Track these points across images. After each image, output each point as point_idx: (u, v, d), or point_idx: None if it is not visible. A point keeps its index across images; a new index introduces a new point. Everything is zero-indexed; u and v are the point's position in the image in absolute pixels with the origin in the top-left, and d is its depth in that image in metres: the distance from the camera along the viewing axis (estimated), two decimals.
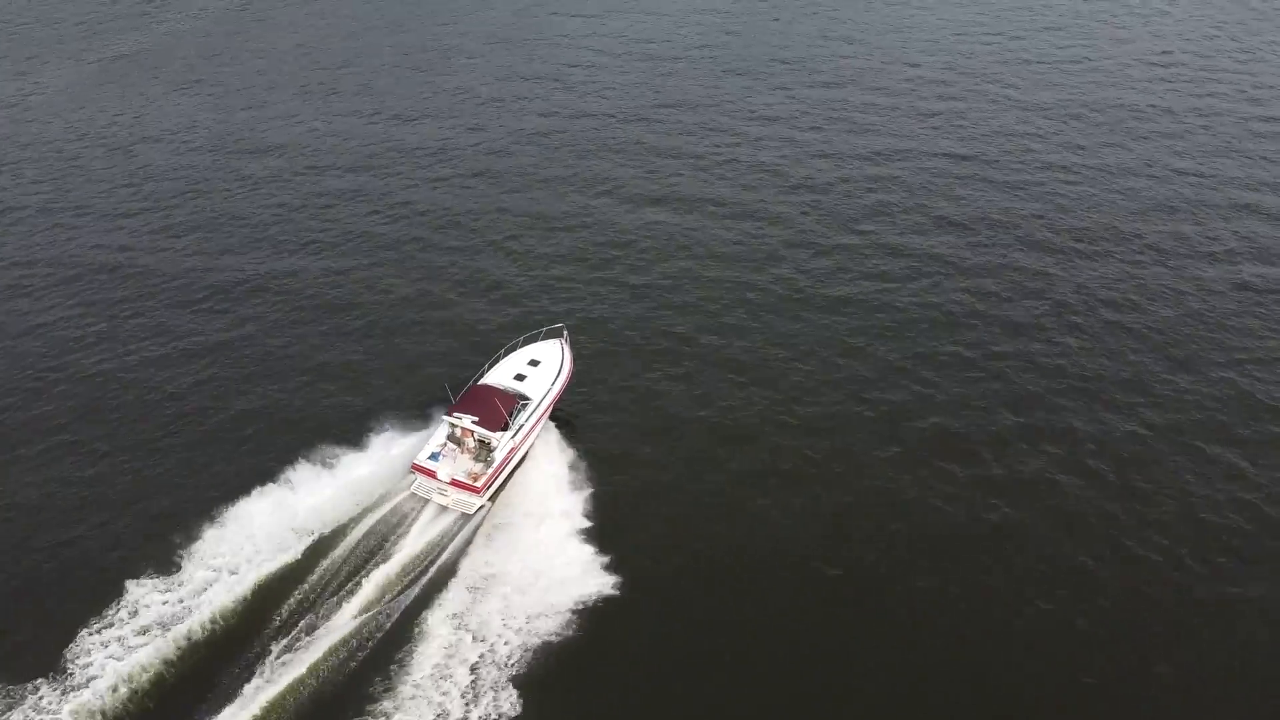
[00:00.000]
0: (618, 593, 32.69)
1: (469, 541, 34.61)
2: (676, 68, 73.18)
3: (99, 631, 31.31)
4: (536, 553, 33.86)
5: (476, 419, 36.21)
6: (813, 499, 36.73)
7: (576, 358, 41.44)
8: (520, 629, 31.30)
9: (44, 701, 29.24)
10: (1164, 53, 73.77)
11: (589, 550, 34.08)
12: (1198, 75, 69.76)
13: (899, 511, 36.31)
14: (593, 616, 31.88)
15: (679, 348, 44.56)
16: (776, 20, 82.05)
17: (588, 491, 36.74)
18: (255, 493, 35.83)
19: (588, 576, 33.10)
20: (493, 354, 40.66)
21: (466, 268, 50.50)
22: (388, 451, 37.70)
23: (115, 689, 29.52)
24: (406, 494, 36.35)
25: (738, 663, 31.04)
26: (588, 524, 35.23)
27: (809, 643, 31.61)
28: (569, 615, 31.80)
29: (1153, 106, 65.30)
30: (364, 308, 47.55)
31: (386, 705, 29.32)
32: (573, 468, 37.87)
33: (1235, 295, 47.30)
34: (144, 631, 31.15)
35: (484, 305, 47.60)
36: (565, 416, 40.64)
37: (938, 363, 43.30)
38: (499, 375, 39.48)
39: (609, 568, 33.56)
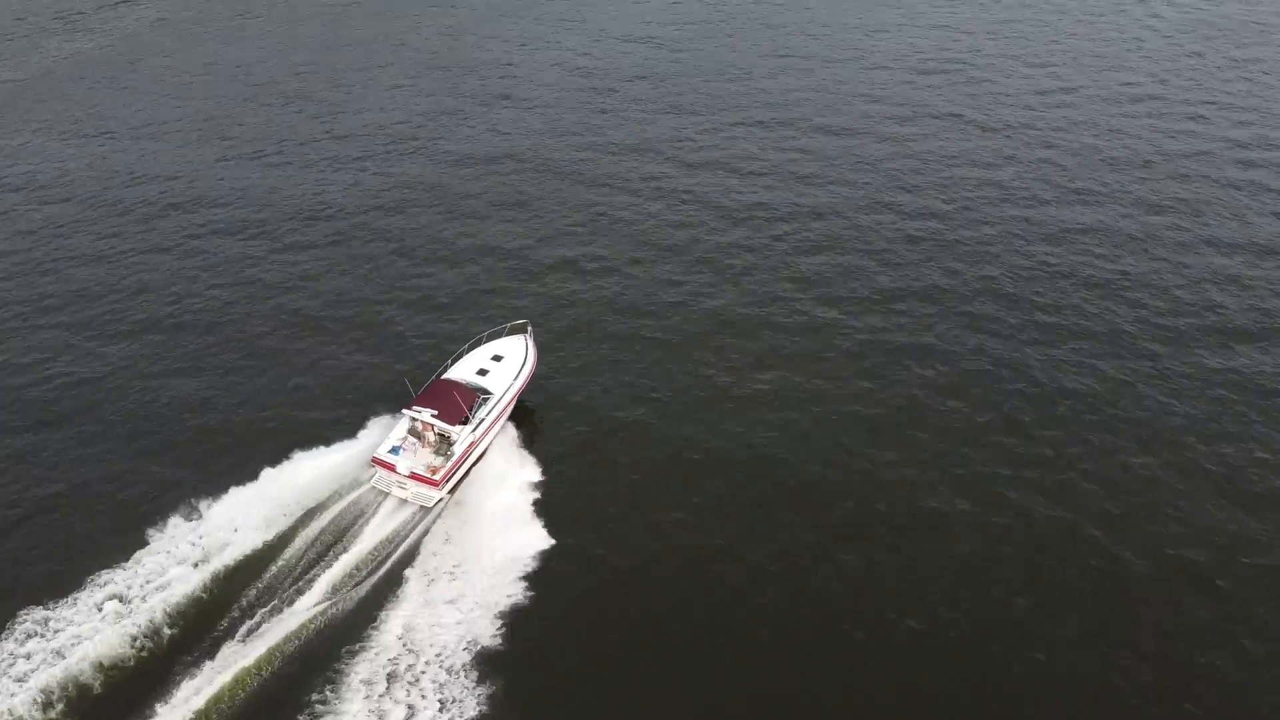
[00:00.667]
0: (566, 583, 33.33)
1: (426, 533, 35.08)
2: (610, 102, 68.90)
3: (54, 611, 31.76)
4: (491, 545, 34.34)
5: (436, 413, 36.62)
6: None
7: (541, 353, 41.97)
8: (471, 618, 31.80)
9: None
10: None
11: (542, 542, 34.58)
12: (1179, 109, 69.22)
13: (865, 496, 37.09)
14: (542, 605, 32.49)
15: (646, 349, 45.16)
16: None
17: (544, 485, 37.22)
18: (219, 484, 36.19)
19: (539, 567, 33.62)
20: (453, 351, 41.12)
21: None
22: (350, 445, 38.06)
23: (76, 670, 29.87)
24: (367, 487, 36.78)
25: (688, 657, 31.62)
26: (542, 516, 35.72)
27: (776, 642, 32.14)
28: (519, 604, 32.38)
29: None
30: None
31: (339, 691, 29.79)
32: (532, 462, 38.34)
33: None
34: (100, 613, 31.57)
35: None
36: (528, 410, 41.16)
37: (896, 350, 44.06)
38: (462, 370, 39.94)
39: (560, 559, 34.12)
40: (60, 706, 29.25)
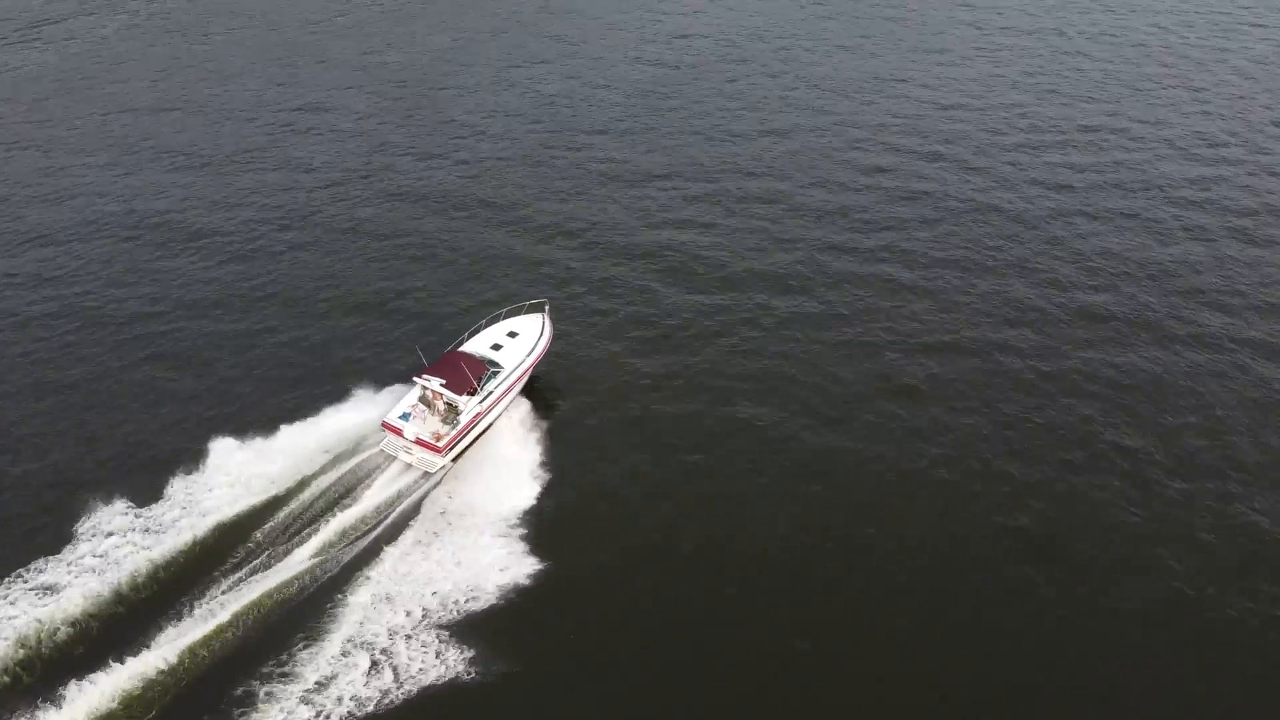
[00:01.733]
0: (558, 556, 33.97)
1: (425, 498, 36.24)
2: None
3: (72, 547, 33.80)
4: (486, 514, 35.29)
5: (445, 382, 37.72)
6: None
7: (558, 333, 42.81)
8: (460, 581, 32.76)
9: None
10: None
11: (537, 515, 35.38)
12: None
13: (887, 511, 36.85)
14: (534, 574, 33.28)
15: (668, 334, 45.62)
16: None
17: (547, 461, 38.05)
18: (235, 437, 37.92)
19: (533, 537, 34.44)
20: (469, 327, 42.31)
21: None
22: (364, 409, 39.49)
23: (81, 605, 31.73)
24: (376, 450, 38.15)
25: (672, 649, 32.03)
26: (541, 491, 36.58)
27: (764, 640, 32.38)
28: (510, 571, 33.27)
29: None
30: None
31: (323, 638, 31.11)
32: (538, 437, 39.20)
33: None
34: (102, 557, 33.31)
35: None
36: (543, 387, 42.03)
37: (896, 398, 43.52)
38: (477, 344, 40.99)
39: (554, 532, 34.83)
40: (81, 626, 31.28)
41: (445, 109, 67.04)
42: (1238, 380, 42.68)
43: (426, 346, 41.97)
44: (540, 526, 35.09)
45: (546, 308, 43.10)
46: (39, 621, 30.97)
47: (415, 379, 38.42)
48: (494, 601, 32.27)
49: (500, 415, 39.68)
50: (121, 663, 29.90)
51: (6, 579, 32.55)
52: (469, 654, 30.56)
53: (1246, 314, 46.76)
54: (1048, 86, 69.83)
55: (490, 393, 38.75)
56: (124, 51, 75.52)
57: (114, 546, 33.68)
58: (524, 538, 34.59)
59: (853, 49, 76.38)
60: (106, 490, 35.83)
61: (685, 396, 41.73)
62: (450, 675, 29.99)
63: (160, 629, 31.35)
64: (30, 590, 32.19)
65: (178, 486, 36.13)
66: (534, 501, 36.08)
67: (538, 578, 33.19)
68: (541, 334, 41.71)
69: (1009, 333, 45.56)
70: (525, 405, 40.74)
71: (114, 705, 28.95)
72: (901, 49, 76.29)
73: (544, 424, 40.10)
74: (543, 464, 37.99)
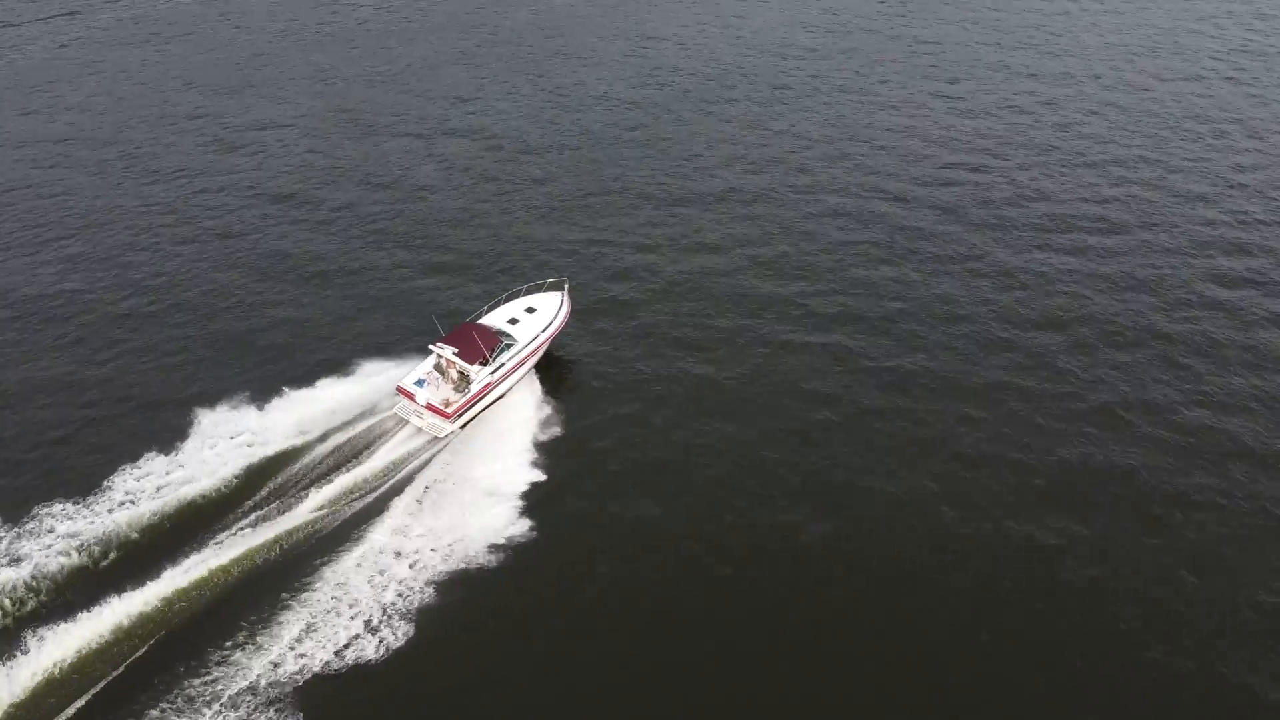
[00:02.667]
0: (546, 526, 35.04)
1: (430, 461, 37.59)
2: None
3: (117, 480, 36.33)
4: (485, 479, 36.42)
5: (457, 351, 38.96)
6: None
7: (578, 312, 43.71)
8: (451, 539, 34.16)
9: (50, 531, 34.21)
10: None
11: (532, 486, 36.39)
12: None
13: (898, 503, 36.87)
14: (522, 541, 34.46)
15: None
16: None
17: (552, 434, 39.07)
18: (262, 393, 40.03)
19: (527, 506, 35.51)
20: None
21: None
22: (379, 374, 41.05)
23: (119, 535, 34.03)
24: (390, 413, 39.64)
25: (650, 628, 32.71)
26: (542, 462, 37.55)
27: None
28: (501, 534, 34.56)
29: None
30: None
31: (319, 582, 32.84)
32: (548, 412, 40.18)
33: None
34: (127, 501, 35.51)
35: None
36: (563, 365, 43.09)
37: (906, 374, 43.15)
38: (495, 317, 42.14)
39: (544, 509, 35.70)
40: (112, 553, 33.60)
41: (554, 75, 68.67)
42: None
43: (447, 317, 43.35)
44: (533, 500, 35.96)
45: (566, 286, 44.02)
46: (82, 542, 33.58)
47: (430, 347, 39.82)
48: (481, 563, 33.50)
49: (512, 388, 40.79)
50: (141, 587, 32.13)
51: (41, 508, 35.10)
52: (442, 601, 32.06)
53: None
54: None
55: (502, 364, 39.84)
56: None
57: (150, 483, 36.08)
58: (517, 508, 35.55)
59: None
60: (143, 437, 38.39)
61: (699, 390, 41.96)
62: (429, 624, 31.45)
63: (175, 562, 33.31)
64: (64, 519, 34.74)
65: (208, 432, 38.22)
66: (531, 476, 36.94)
67: (524, 545, 34.27)
68: (559, 312, 42.63)
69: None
70: (539, 378, 41.81)
71: (131, 621, 31.22)
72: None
73: (554, 402, 41.06)
74: (545, 441, 38.89)
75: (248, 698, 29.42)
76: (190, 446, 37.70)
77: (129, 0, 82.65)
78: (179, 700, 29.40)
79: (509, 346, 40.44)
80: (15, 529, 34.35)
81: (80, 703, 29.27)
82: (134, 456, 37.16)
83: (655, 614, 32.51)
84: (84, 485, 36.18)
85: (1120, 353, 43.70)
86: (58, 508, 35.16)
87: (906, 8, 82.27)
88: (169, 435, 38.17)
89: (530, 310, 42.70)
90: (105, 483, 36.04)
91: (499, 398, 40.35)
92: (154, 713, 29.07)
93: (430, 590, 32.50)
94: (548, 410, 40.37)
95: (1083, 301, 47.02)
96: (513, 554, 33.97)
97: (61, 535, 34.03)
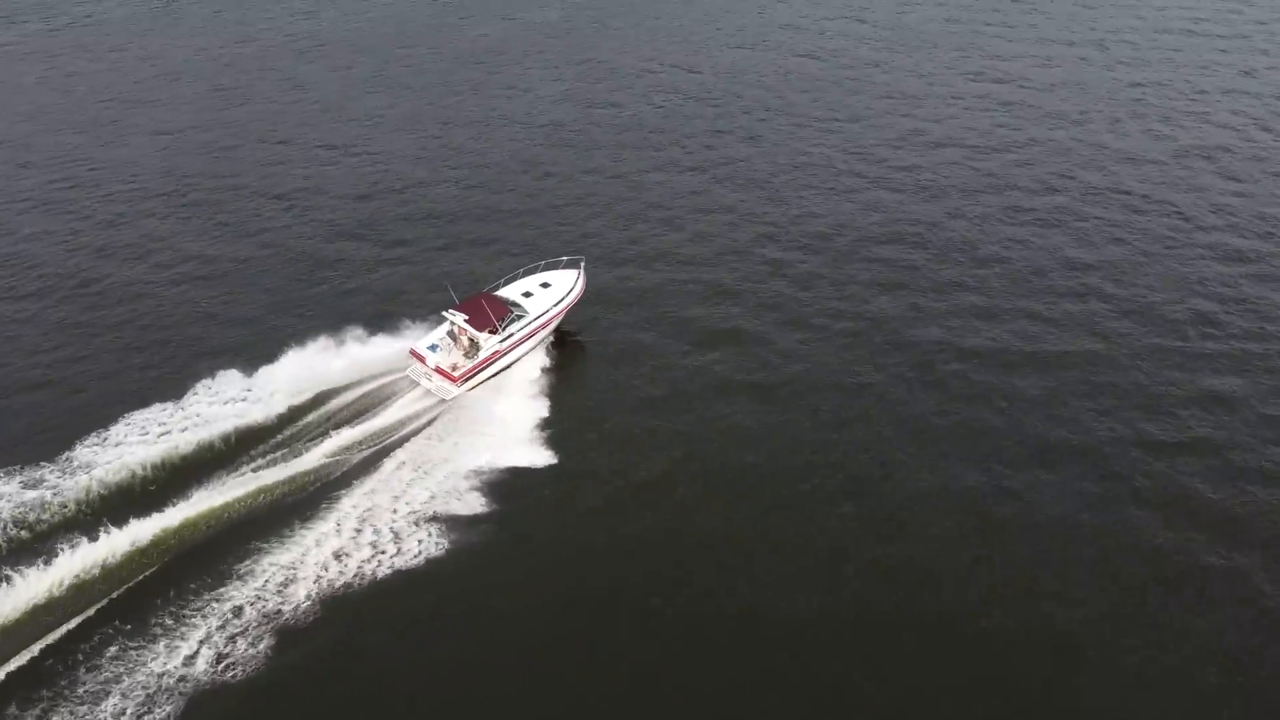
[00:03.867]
0: (531, 492, 36.62)
1: (433, 421, 39.57)
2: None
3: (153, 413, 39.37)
4: (483, 441, 38.22)
5: (468, 319, 40.85)
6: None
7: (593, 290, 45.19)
8: (440, 495, 36.01)
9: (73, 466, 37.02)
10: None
11: (527, 452, 38.08)
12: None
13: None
14: (506, 505, 36.02)
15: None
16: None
17: (550, 405, 40.63)
18: (285, 347, 42.60)
19: (513, 471, 37.20)
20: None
21: None
22: (398, 338, 43.18)
23: (141, 466, 36.71)
24: (402, 374, 41.69)
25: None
26: (540, 434, 39.14)
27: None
28: (486, 494, 36.28)
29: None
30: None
31: (317, 519, 35.16)
32: (551, 385, 41.85)
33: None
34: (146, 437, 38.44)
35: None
36: (576, 341, 44.83)
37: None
38: (510, 290, 44.00)
39: (537, 473, 37.38)
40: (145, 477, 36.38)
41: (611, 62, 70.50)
42: None
43: (462, 287, 45.29)
44: (518, 473, 37.40)
45: (582, 264, 45.58)
46: (125, 464, 36.47)
47: (444, 314, 41.74)
48: (464, 515, 35.32)
49: (521, 358, 42.48)
50: (160, 512, 34.72)
51: (98, 432, 38.35)
52: (428, 548, 33.95)
53: None
54: None
55: (511, 334, 41.56)
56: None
57: (175, 422, 38.95)
58: (502, 471, 37.16)
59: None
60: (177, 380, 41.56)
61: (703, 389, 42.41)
62: (408, 565, 33.54)
63: (194, 491, 35.91)
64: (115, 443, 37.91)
65: (240, 379, 40.90)
66: (528, 447, 38.45)
67: (512, 508, 35.99)
68: (572, 288, 44.19)
69: None
70: (547, 353, 43.45)
71: (147, 543, 33.68)
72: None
73: (563, 371, 42.71)
74: (547, 406, 40.57)
75: (256, 603, 32.10)
76: (229, 390, 40.48)
77: None
78: (183, 611, 31.92)
79: (519, 318, 42.16)
80: (53, 461, 37.33)
81: (89, 613, 31.86)
82: (176, 394, 40.35)
83: (635, 610, 32.81)
84: (169, 392, 40.09)
85: None
86: (137, 414, 39.00)
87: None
88: (201, 377, 41.08)
89: (545, 285, 44.37)
90: (160, 409, 39.52)
91: (507, 366, 42.10)
92: (165, 619, 31.67)
93: (422, 531, 34.54)
94: (550, 382, 42.05)
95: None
96: (506, 516, 35.62)
97: (109, 457, 37.02)
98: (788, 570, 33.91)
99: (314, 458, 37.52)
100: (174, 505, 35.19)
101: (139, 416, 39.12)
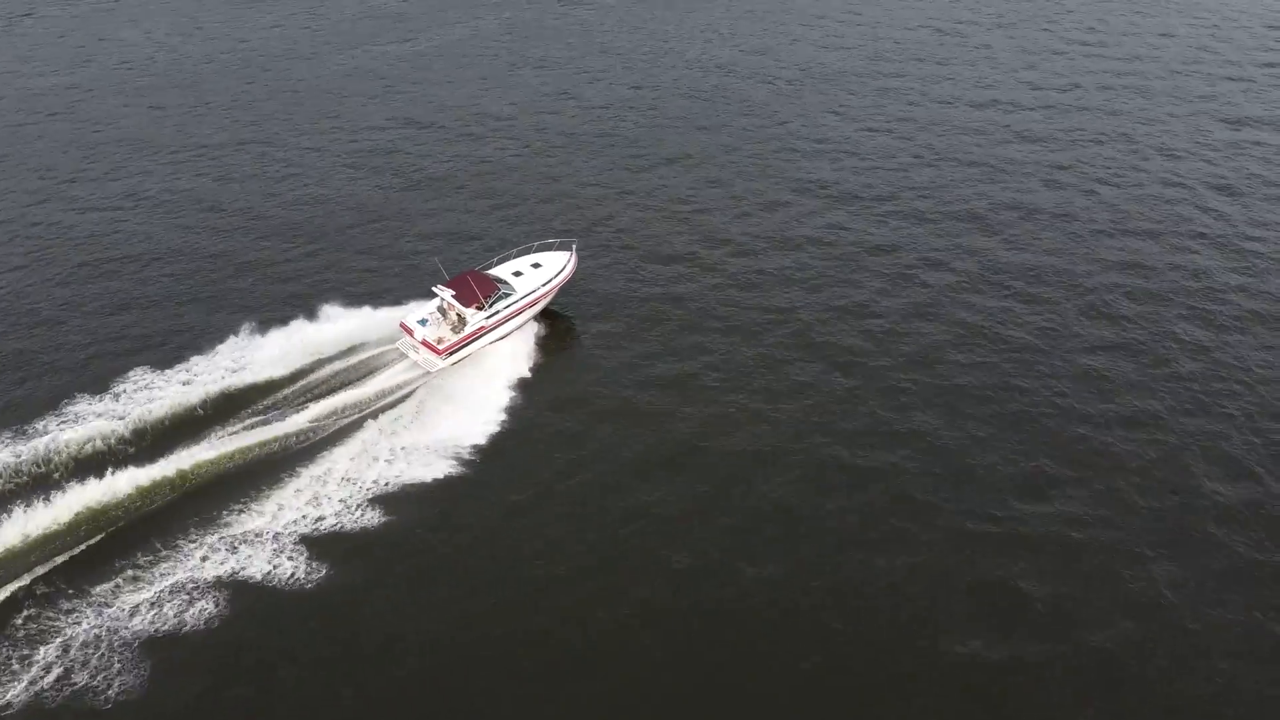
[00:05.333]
0: (492, 472, 37.55)
1: (413, 392, 40.97)
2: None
3: (141, 374, 41.36)
4: (460, 413, 39.57)
5: (455, 294, 42.11)
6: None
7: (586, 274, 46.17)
8: (414, 460, 37.54)
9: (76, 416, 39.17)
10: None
11: (498, 425, 39.30)
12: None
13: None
14: (473, 480, 37.21)
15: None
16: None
17: (528, 385, 41.72)
18: (289, 315, 44.49)
19: (483, 445, 38.44)
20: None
21: None
22: (392, 311, 44.57)
23: (143, 419, 38.55)
24: (392, 346, 43.14)
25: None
26: (507, 411, 40.23)
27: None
28: (456, 463, 37.67)
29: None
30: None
31: (292, 479, 36.67)
32: (531, 362, 42.97)
33: None
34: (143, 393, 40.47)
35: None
36: (568, 322, 45.90)
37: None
38: (501, 269, 45.17)
39: (501, 448, 38.42)
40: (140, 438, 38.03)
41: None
42: None
43: (456, 263, 46.50)
44: (496, 436, 38.90)
45: (574, 246, 46.57)
46: (122, 419, 38.44)
47: (433, 289, 43.09)
48: (434, 483, 36.65)
49: (507, 335, 43.65)
50: (152, 463, 36.56)
51: (110, 389, 40.49)
52: (385, 515, 35.31)
53: None
54: None
55: (497, 311, 42.76)
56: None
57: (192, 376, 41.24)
58: (470, 452, 38.16)
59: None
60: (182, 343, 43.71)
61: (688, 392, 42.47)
62: (366, 526, 35.05)
63: (185, 446, 37.60)
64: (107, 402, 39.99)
65: (238, 345, 42.80)
66: (500, 413, 39.92)
67: (480, 481, 37.09)
68: (562, 270, 45.21)
69: None
70: (535, 330, 44.58)
71: (133, 491, 35.41)
72: None
73: (543, 357, 43.63)
74: (525, 384, 41.73)
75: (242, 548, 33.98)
76: (225, 350, 42.56)
77: None
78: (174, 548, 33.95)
79: (506, 295, 43.33)
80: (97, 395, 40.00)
81: (80, 548, 33.94)
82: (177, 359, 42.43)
83: (597, 592, 33.46)
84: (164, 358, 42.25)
85: None
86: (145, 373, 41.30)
87: None
88: (209, 341, 43.25)
89: (536, 265, 45.47)
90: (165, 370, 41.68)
91: (493, 342, 43.28)
92: (156, 555, 33.70)
93: (387, 497, 35.91)
94: (534, 360, 43.17)
95: None
96: (472, 485, 36.90)
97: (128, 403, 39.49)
98: (762, 568, 34.28)
99: (293, 424, 38.90)
100: (148, 464, 36.58)
101: (134, 375, 41.34)
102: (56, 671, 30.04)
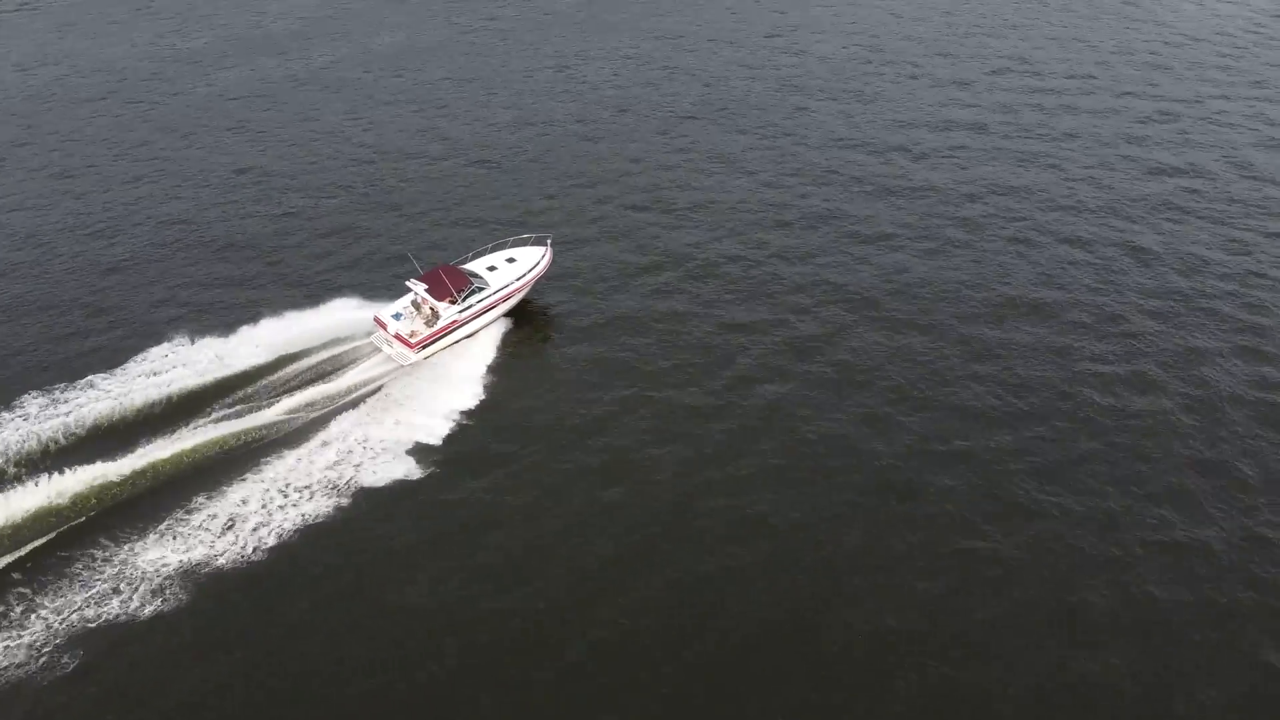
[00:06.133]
0: (458, 465, 37.86)
1: (382, 386, 41.36)
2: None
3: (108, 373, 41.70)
4: (427, 407, 39.96)
5: (428, 288, 42.52)
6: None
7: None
8: (381, 452, 37.87)
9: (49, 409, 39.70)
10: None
11: (464, 420, 39.64)
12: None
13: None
14: (439, 472, 37.56)
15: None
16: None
17: (496, 378, 42.02)
18: (265, 307, 45.02)
19: (451, 438, 38.74)
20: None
21: None
22: (369, 305, 45.09)
23: (104, 415, 39.10)
24: (366, 340, 43.62)
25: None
26: (479, 400, 40.72)
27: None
28: (419, 456, 37.95)
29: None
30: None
31: (264, 470, 37.14)
32: (500, 355, 43.29)
33: None
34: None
35: None
36: (543, 318, 46.24)
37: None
38: (476, 264, 45.54)
39: (467, 443, 38.71)
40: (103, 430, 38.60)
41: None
42: None
43: (433, 259, 46.96)
44: (462, 427, 39.33)
45: (549, 241, 46.91)
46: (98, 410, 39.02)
47: (406, 283, 43.52)
48: (397, 477, 36.99)
49: (480, 330, 44.01)
50: (124, 456, 37.13)
51: (79, 382, 41.00)
52: (342, 508, 35.63)
53: None
54: None
55: (470, 305, 43.15)
56: None
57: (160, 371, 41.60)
58: (436, 446, 38.45)
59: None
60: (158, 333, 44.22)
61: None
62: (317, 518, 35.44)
63: (156, 438, 38.21)
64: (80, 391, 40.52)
65: (214, 341, 43.22)
66: (468, 406, 40.28)
67: (441, 475, 37.37)
68: (536, 265, 45.52)
69: None
70: (506, 325, 44.92)
71: (106, 481, 35.96)
72: None
73: (516, 353, 43.92)
74: (492, 381, 41.87)
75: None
76: (206, 343, 43.09)
77: None
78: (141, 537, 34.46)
79: (479, 290, 43.71)
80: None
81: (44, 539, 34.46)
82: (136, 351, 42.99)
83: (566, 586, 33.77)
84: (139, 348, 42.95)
85: None
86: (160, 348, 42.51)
87: None
88: (176, 334, 43.72)
89: (511, 260, 45.83)
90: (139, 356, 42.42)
91: (466, 336, 43.70)
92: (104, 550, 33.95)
93: (350, 490, 36.34)
94: (507, 355, 43.49)
95: None
96: (408, 484, 37.02)
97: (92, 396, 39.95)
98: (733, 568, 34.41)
99: (265, 417, 39.34)
100: (130, 453, 37.22)
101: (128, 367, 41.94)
102: None
